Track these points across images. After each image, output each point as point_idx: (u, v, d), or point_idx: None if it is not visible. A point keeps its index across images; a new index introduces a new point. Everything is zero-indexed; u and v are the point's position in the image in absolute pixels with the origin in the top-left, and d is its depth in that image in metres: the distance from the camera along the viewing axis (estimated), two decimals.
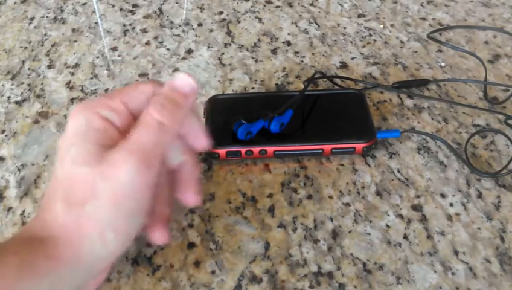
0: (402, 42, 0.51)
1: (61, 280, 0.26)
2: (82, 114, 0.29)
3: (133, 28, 0.54)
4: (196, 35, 0.52)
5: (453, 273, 0.33)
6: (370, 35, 0.52)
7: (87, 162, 0.28)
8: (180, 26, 0.54)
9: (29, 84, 0.48)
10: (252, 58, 0.49)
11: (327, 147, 0.39)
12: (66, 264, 0.26)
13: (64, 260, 0.26)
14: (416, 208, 0.37)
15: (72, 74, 0.49)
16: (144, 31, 0.53)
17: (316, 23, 0.53)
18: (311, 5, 0.56)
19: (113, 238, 0.28)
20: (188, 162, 0.33)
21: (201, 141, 0.33)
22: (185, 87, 0.31)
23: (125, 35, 0.53)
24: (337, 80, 0.46)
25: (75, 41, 0.53)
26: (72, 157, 0.28)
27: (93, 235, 0.27)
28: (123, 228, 0.28)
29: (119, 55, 0.51)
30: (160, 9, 0.56)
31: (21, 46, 0.53)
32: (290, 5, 0.56)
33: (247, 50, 0.50)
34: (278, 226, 0.36)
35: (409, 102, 0.44)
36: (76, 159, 0.28)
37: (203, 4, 0.57)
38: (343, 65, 0.48)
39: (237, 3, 0.57)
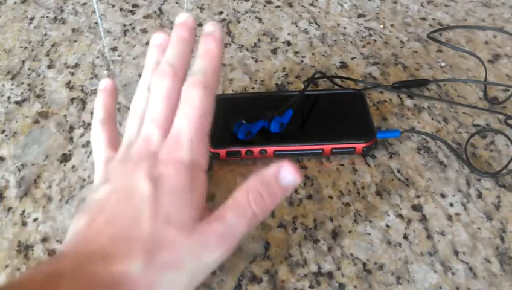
0: (402, 42, 0.51)
1: None
2: (190, 174, 0.28)
3: (133, 28, 0.54)
4: (196, 36, 0.52)
5: (453, 274, 0.33)
6: (370, 35, 0.52)
7: (181, 228, 0.27)
8: None
9: (29, 84, 0.48)
10: (252, 58, 0.49)
11: (327, 147, 0.39)
12: None
13: None
14: (416, 208, 0.37)
15: (72, 74, 0.49)
16: (144, 31, 0.53)
17: (316, 23, 0.53)
18: (311, 5, 0.56)
19: None
20: None
21: None
22: (289, 181, 0.29)
23: (125, 35, 0.53)
24: (337, 80, 0.46)
25: (75, 41, 0.53)
26: (167, 217, 0.27)
27: None
28: None
29: (119, 55, 0.51)
30: (160, 9, 0.56)
31: (21, 46, 0.53)
32: (290, 5, 0.56)
33: (247, 50, 0.50)
34: (278, 226, 0.36)
35: (409, 102, 0.44)
36: (172, 220, 0.27)
37: (203, 4, 0.57)
38: (343, 65, 0.48)
39: (237, 3, 0.57)
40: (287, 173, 0.29)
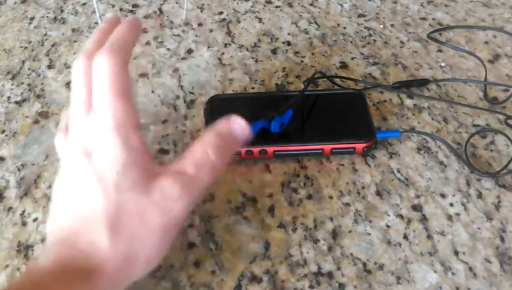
0: (402, 42, 0.51)
1: None
2: (118, 135, 0.28)
3: None
4: (196, 35, 0.52)
5: (453, 274, 0.33)
6: (370, 35, 0.52)
7: (135, 189, 0.27)
8: (180, 26, 0.54)
9: (29, 84, 0.48)
10: (252, 58, 0.49)
11: (327, 147, 0.39)
12: None
13: None
14: (416, 208, 0.37)
15: None
16: (144, 31, 0.53)
17: (316, 23, 0.53)
18: (311, 5, 0.56)
19: (153, 265, 0.27)
20: None
21: None
22: (240, 131, 0.32)
23: None
24: (337, 80, 0.46)
25: (75, 41, 0.53)
26: (116, 184, 0.26)
27: (141, 268, 0.27)
28: (163, 253, 0.28)
29: None
30: (160, 9, 0.56)
31: (21, 46, 0.53)
32: (290, 5, 0.56)
33: (247, 50, 0.50)
34: (278, 226, 0.36)
35: (409, 102, 0.44)
36: (122, 185, 0.27)
37: (203, 4, 0.57)
38: (343, 65, 0.48)
39: (237, 3, 0.57)
40: (237, 125, 0.32)
